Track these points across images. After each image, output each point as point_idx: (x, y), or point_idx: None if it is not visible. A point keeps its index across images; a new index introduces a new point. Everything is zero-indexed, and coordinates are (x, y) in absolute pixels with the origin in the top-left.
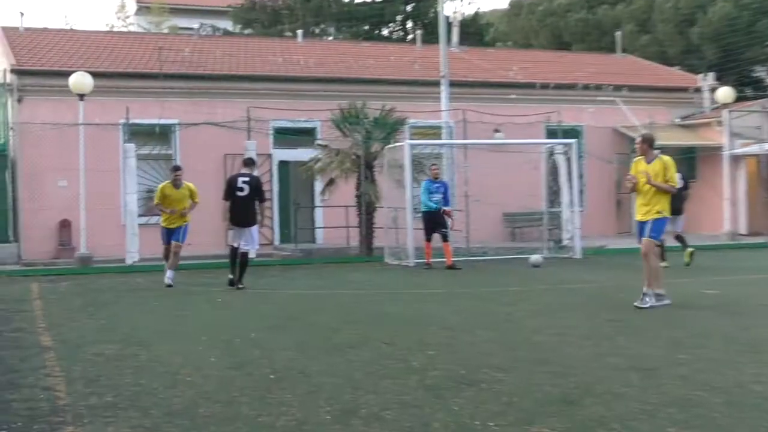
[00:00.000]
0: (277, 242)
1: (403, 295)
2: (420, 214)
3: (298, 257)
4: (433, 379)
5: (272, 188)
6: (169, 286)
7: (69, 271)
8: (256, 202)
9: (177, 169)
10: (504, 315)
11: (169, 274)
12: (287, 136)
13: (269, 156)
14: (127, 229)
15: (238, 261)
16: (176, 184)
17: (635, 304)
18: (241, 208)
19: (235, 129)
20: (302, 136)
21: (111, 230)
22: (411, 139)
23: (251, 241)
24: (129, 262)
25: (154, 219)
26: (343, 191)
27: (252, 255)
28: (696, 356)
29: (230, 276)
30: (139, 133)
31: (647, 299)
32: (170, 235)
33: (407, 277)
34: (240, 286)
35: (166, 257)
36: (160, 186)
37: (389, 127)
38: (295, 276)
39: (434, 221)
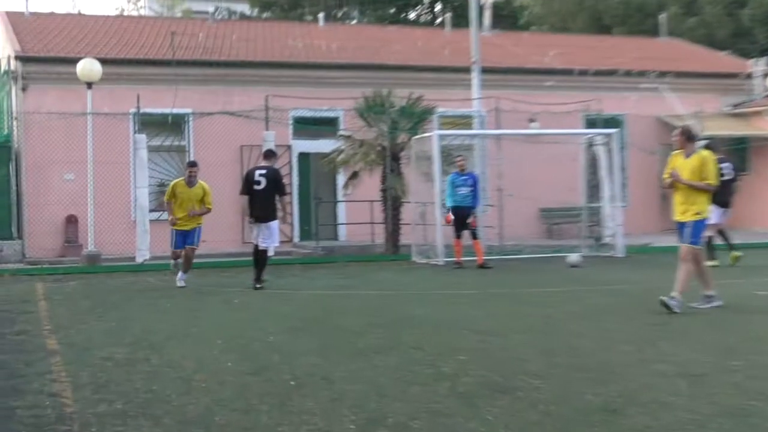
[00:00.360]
0: (297, 239)
1: (432, 296)
2: (450, 210)
3: (319, 255)
4: (465, 386)
5: (292, 182)
6: (182, 287)
7: (76, 269)
8: (277, 196)
9: (192, 165)
10: (541, 318)
11: (180, 275)
12: (308, 126)
13: (288, 147)
14: (138, 226)
15: (260, 259)
16: (190, 181)
17: (663, 299)
18: (259, 202)
19: (253, 119)
20: (324, 126)
21: (120, 227)
22: (440, 129)
23: (269, 238)
24: (139, 260)
25: (166, 215)
26: (367, 185)
27: (270, 253)
28: (750, 362)
29: (256, 286)
30: (150, 123)
31: (674, 302)
32: (184, 238)
33: (436, 276)
34: (258, 285)
35: (176, 257)
36: (173, 183)
37: (417, 117)
38: (316, 275)
39: (461, 218)
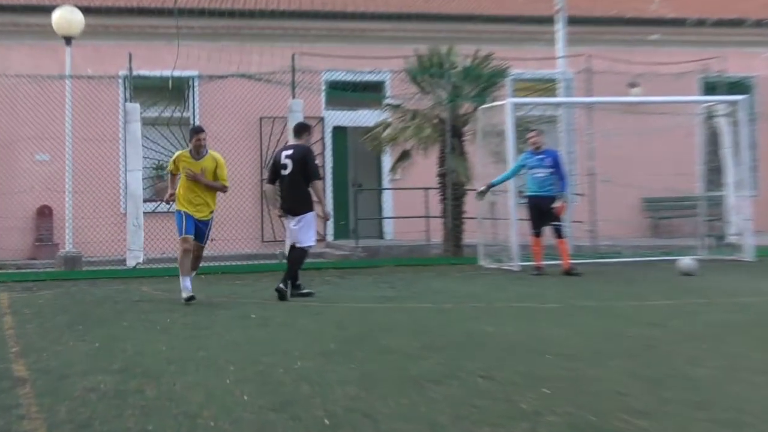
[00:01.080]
0: (330, 238)
1: (504, 310)
2: (526, 200)
3: (359, 258)
4: (550, 427)
5: (324, 164)
6: (191, 299)
7: (50, 275)
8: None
9: (198, 131)
10: (645, 339)
11: (187, 283)
12: (345, 93)
13: (320, 120)
14: (129, 220)
15: (291, 256)
16: (197, 151)
17: None
18: (285, 190)
19: (275, 83)
20: (366, 92)
21: (107, 221)
22: (514, 96)
23: (301, 233)
24: (131, 264)
25: (165, 206)
26: (420, 168)
27: (306, 245)
28: None
29: (298, 284)
30: (145, 90)
31: None
32: (194, 226)
33: (510, 285)
34: (281, 286)
35: (186, 258)
36: (176, 154)
37: (485, 81)
38: (355, 283)
39: (540, 209)
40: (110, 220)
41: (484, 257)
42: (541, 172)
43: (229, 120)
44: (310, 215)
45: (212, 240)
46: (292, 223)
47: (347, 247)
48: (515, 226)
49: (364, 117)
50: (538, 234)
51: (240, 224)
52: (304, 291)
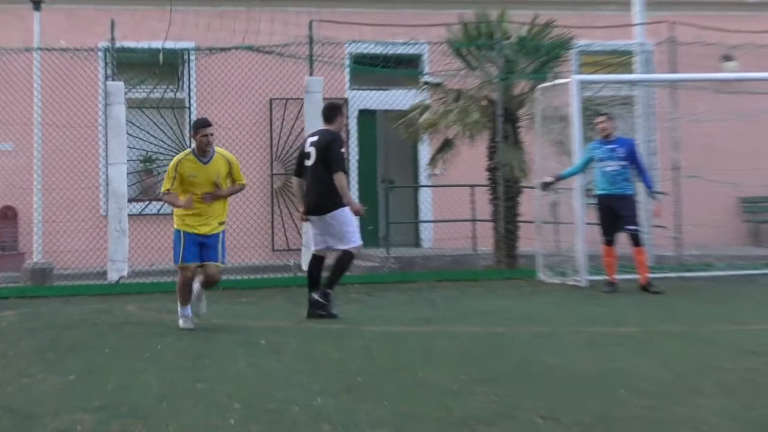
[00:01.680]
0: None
1: (569, 335)
2: (595, 201)
3: (391, 271)
4: None
5: (348, 155)
6: (189, 328)
7: (15, 291)
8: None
9: (204, 124)
10: (744, 371)
11: (187, 311)
12: (374, 69)
13: (344, 102)
14: (111, 224)
15: (334, 266)
16: (203, 152)
17: None
18: (308, 185)
19: (288, 57)
20: (399, 68)
21: (83, 225)
22: (581, 72)
23: (337, 236)
24: (114, 277)
25: (154, 206)
26: (466, 161)
27: (349, 247)
28: None
29: (312, 297)
30: (131, 65)
31: None
32: (197, 247)
33: (576, 304)
34: (315, 296)
35: (186, 287)
36: (175, 160)
37: (544, 54)
38: (386, 302)
39: (613, 212)
40: (88, 225)
41: (544, 270)
42: (613, 166)
43: (232, 102)
44: (340, 212)
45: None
46: (315, 228)
47: (376, 257)
48: (582, 232)
49: (397, 98)
50: (610, 242)
51: (245, 230)
52: (314, 296)
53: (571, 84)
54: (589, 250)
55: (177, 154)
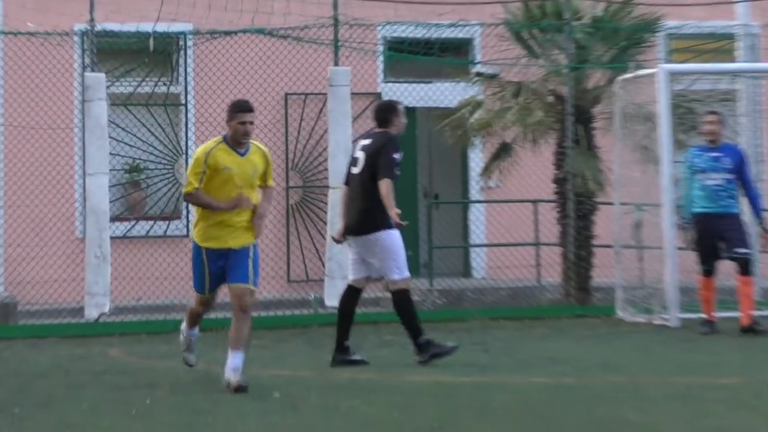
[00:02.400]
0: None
1: (656, 387)
2: (689, 221)
3: (434, 307)
4: None
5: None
6: (190, 362)
7: None
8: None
9: (244, 108)
10: None
11: (194, 332)
12: (414, 57)
13: (376, 96)
14: (89, 248)
15: (398, 314)
16: (239, 144)
17: None
18: (351, 198)
19: (308, 43)
20: (444, 56)
21: (55, 250)
22: (670, 61)
23: (376, 264)
24: (92, 315)
25: (142, 227)
26: (528, 170)
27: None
28: None
29: (346, 345)
30: (114, 53)
31: None
32: (223, 267)
33: (664, 348)
34: (420, 358)
35: (196, 317)
36: (204, 149)
37: (625, 38)
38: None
39: (714, 234)
40: (60, 250)
41: (624, 306)
42: (716, 179)
43: (239, 97)
44: (387, 234)
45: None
46: (354, 252)
47: (417, 290)
48: (673, 259)
49: (442, 93)
50: (709, 272)
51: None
52: (353, 357)
53: (658, 75)
54: (681, 282)
55: (170, 161)
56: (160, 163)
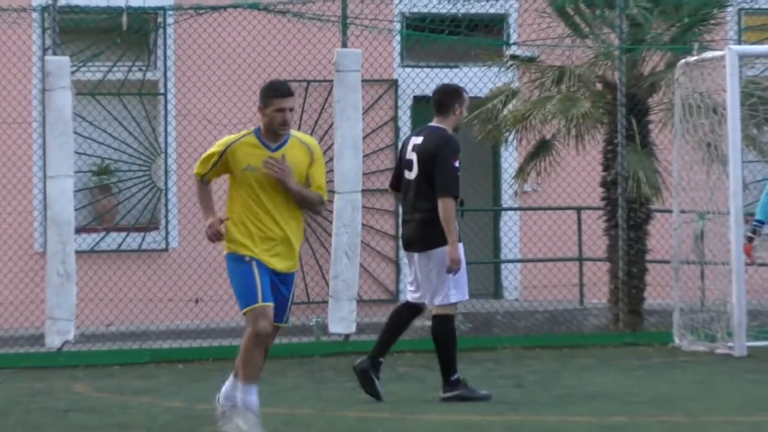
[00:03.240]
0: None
1: (719, 427)
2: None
3: (460, 333)
4: None
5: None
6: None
7: None
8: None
9: (281, 92)
10: None
11: (252, 399)
12: (437, 36)
13: (391, 84)
14: (50, 265)
15: (435, 334)
16: (274, 135)
17: None
18: (407, 207)
19: (311, 20)
20: (472, 36)
21: (10, 268)
22: (742, 42)
23: (429, 285)
24: (55, 343)
25: (113, 239)
26: (570, 172)
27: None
28: None
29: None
30: (80, 32)
31: None
32: (269, 280)
33: (729, 382)
34: (446, 394)
35: (260, 348)
36: (224, 141)
37: (687, 14)
38: None
39: None
40: (16, 267)
41: (683, 332)
42: None
43: (228, 86)
44: (442, 253)
45: (197, 301)
46: (410, 268)
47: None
48: (741, 277)
49: (470, 80)
50: None
51: None
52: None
53: (727, 58)
54: (750, 304)
55: (147, 161)
56: (134, 163)
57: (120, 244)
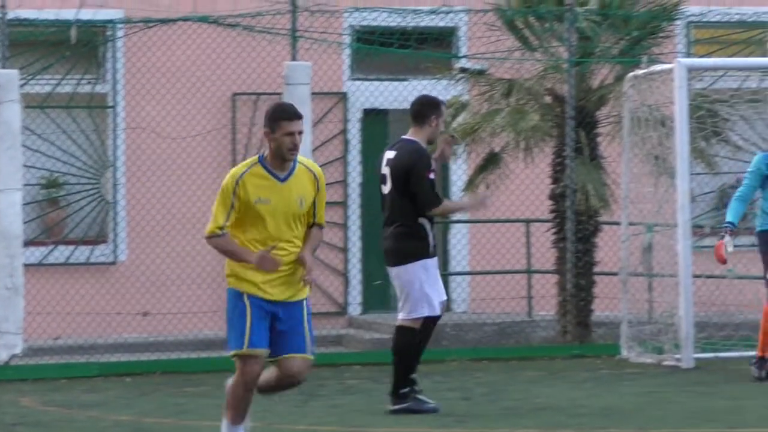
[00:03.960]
0: (355, 310)
1: None
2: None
3: None
4: None
5: (346, 174)
6: None
7: None
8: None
9: (289, 115)
10: None
11: None
12: (386, 50)
13: (341, 97)
14: None
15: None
16: (282, 163)
17: None
18: (384, 220)
19: (260, 33)
20: (422, 49)
21: None
22: (691, 55)
23: (401, 297)
24: (1, 357)
25: (61, 252)
26: (519, 184)
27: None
28: None
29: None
30: (29, 45)
31: None
32: (267, 322)
33: (678, 394)
34: (395, 406)
35: (247, 392)
36: (233, 176)
37: (636, 27)
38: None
39: None
40: None
41: (630, 344)
42: None
43: (177, 99)
44: (411, 267)
45: (147, 314)
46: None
47: (385, 326)
48: (688, 289)
49: (419, 93)
50: None
51: (193, 287)
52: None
53: (676, 71)
54: (697, 316)
55: (95, 175)
56: (83, 176)
57: (68, 258)
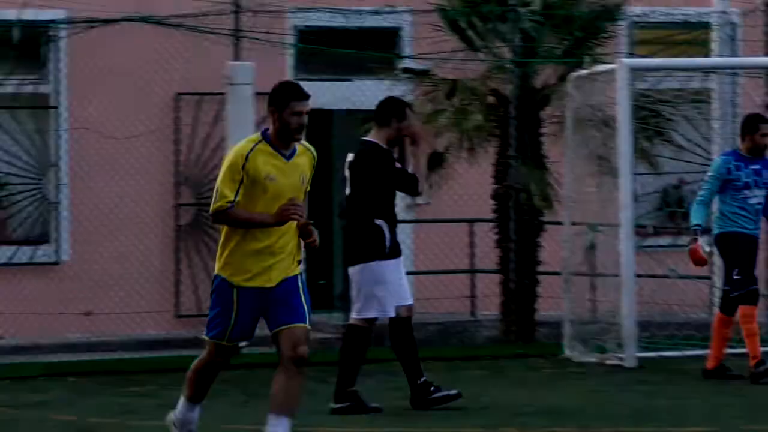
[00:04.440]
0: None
1: None
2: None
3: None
4: None
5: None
6: None
7: None
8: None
9: (298, 95)
10: None
11: (192, 414)
12: (327, 49)
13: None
14: None
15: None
16: (287, 142)
17: None
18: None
19: (203, 33)
20: (366, 49)
21: None
22: (634, 55)
23: (355, 300)
24: None
25: (3, 252)
26: (463, 184)
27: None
28: None
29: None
30: None
31: None
32: (252, 316)
33: (621, 393)
34: (338, 405)
35: (209, 373)
36: (239, 151)
37: (579, 27)
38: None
39: (753, 259)
40: None
41: (573, 343)
42: (759, 196)
43: (120, 100)
44: (363, 268)
45: (90, 314)
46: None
47: (329, 326)
48: (630, 289)
49: (363, 93)
50: (754, 298)
51: (137, 287)
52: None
53: (618, 71)
54: (640, 315)
55: (38, 175)
56: (26, 177)
57: (11, 258)
